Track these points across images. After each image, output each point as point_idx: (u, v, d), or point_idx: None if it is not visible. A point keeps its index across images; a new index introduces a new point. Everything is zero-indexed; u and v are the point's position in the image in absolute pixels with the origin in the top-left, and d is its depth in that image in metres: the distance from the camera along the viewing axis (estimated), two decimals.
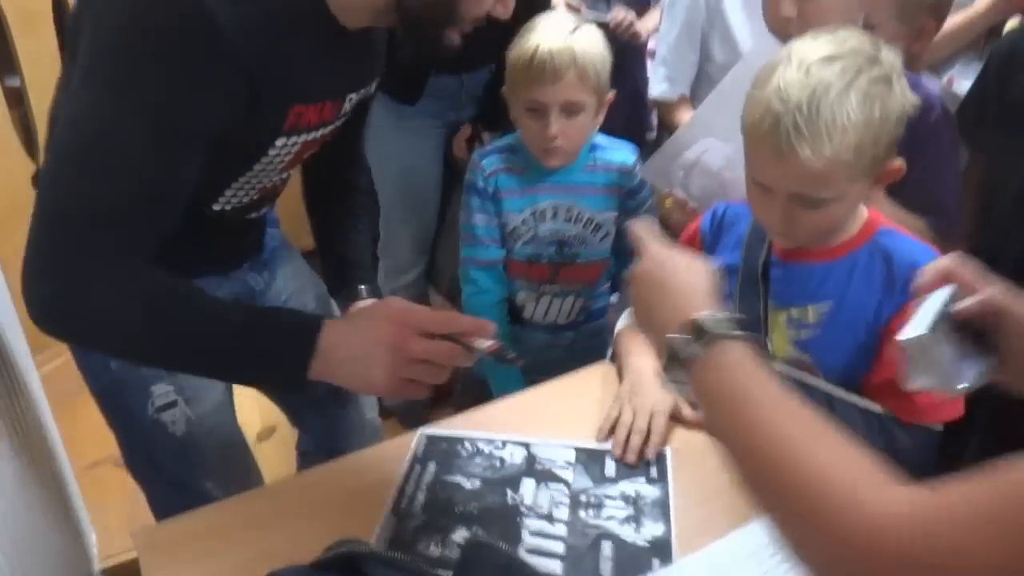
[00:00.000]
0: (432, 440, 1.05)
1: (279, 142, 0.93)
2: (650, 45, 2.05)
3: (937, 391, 0.69)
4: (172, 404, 1.09)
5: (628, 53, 2.01)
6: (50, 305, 0.81)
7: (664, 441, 1.03)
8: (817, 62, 0.85)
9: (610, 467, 1.01)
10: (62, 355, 2.38)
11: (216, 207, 1.00)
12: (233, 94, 0.82)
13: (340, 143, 1.11)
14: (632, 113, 2.10)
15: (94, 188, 0.80)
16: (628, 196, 1.38)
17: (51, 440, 1.53)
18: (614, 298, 1.51)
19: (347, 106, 0.99)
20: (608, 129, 2.07)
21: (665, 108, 1.82)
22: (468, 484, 0.98)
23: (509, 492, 0.96)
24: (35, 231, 0.81)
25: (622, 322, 1.20)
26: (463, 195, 1.37)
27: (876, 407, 0.96)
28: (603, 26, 1.91)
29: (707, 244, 1.11)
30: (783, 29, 1.19)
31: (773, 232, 0.97)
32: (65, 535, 1.41)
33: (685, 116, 1.71)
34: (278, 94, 0.88)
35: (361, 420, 1.35)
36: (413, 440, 1.04)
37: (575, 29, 1.25)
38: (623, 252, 1.38)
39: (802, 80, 0.84)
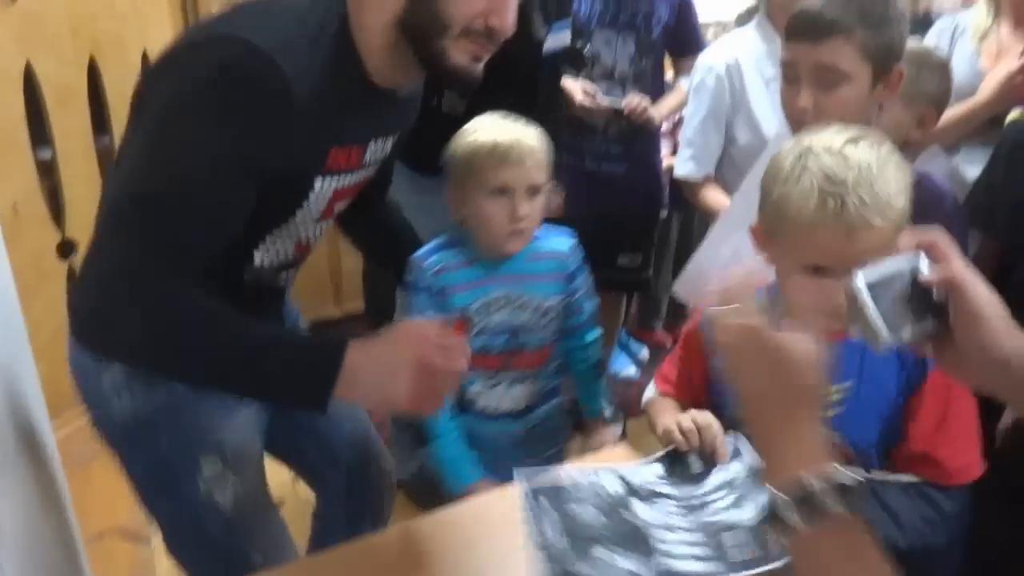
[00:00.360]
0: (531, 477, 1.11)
1: (317, 184, 1.01)
2: (663, 127, 2.17)
3: (867, 341, 0.71)
4: (220, 475, 1.11)
5: (642, 135, 2.13)
6: (91, 320, 0.90)
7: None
8: (845, 145, 0.94)
9: (695, 464, 1.10)
10: (78, 420, 2.37)
11: (256, 261, 1.06)
12: (290, 135, 0.91)
13: (369, 197, 1.22)
14: (647, 190, 2.23)
15: (154, 218, 0.88)
16: (568, 280, 1.44)
17: (63, 508, 1.55)
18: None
19: (368, 155, 1.08)
20: (624, 205, 2.21)
21: (691, 187, 1.90)
22: (582, 510, 1.04)
23: (624, 512, 1.03)
24: (91, 253, 0.91)
25: (649, 394, 1.29)
26: (404, 296, 1.42)
27: (913, 478, 1.03)
28: (618, 112, 2.01)
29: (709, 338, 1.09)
30: (798, 119, 1.25)
31: (823, 316, 1.00)
32: None
33: (710, 194, 1.82)
34: (320, 135, 0.97)
35: (381, 478, 1.39)
36: (518, 478, 1.10)
37: (512, 122, 1.36)
38: (569, 333, 1.49)
39: (842, 163, 0.93)
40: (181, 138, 0.89)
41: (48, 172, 2.22)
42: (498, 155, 1.32)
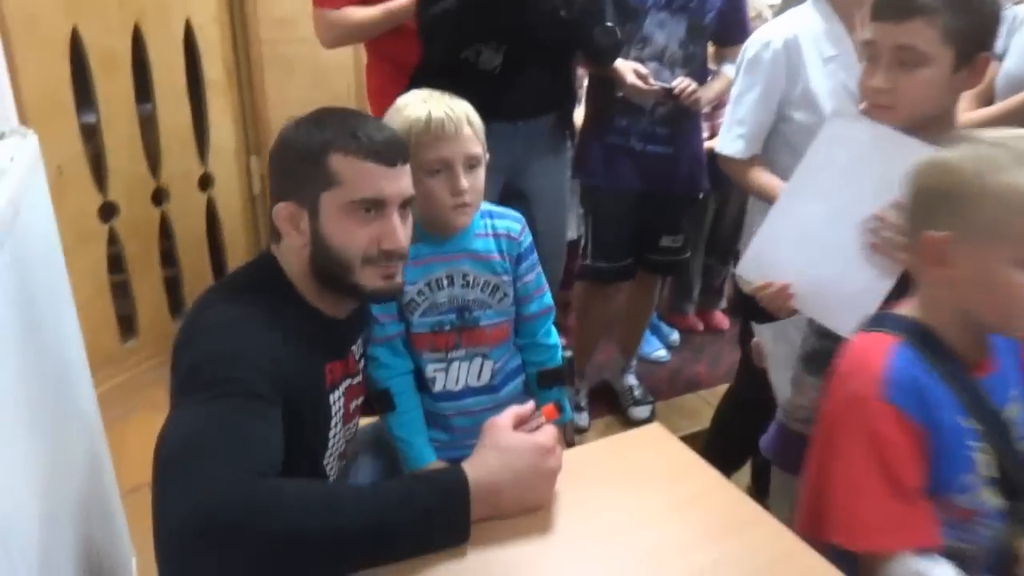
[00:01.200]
0: None
1: (332, 397, 1.13)
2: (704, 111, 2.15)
3: None
4: None
5: (687, 117, 2.14)
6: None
7: None
8: None
9: None
10: (116, 376, 2.44)
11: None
12: (289, 379, 1.02)
13: None
14: (691, 172, 2.20)
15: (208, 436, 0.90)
16: (517, 262, 1.42)
17: (102, 461, 1.59)
18: None
19: (356, 358, 1.23)
20: (669, 186, 2.18)
21: (737, 166, 1.83)
22: None
23: None
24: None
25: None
26: None
27: None
28: (668, 92, 2.02)
29: (925, 424, 0.96)
30: (873, 99, 1.25)
31: None
32: (108, 557, 1.44)
33: (760, 174, 1.78)
34: (312, 360, 1.09)
35: None
36: None
37: (441, 96, 1.33)
38: (522, 326, 1.45)
39: None
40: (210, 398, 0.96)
41: (91, 136, 2.26)
42: (433, 131, 1.29)
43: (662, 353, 2.73)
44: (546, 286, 1.44)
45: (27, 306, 1.13)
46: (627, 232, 2.22)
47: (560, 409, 0.99)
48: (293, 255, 1.08)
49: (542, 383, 1.45)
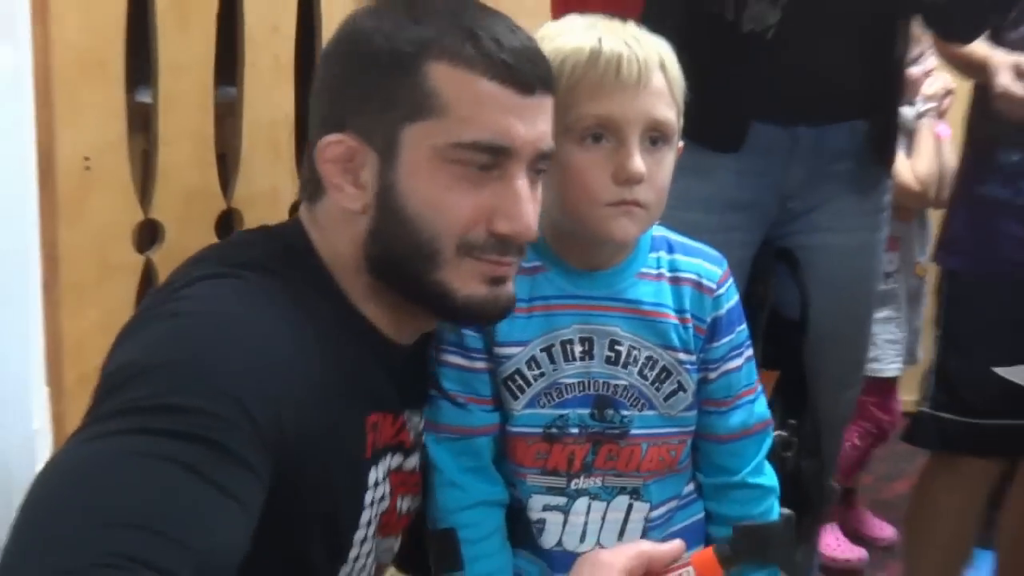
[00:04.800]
0: None
1: (371, 476, 0.91)
2: None
3: None
4: None
5: None
6: None
7: None
8: None
9: None
10: None
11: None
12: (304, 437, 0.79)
13: None
14: None
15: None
16: (711, 334, 1.07)
17: None
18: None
19: (409, 428, 0.98)
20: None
21: None
22: None
23: None
24: None
25: None
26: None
27: None
28: None
29: None
30: None
31: None
32: None
33: None
34: (349, 407, 0.87)
35: None
36: None
37: (622, 24, 1.05)
38: (713, 422, 1.11)
39: None
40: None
41: (142, 122, 1.97)
42: (601, 70, 0.97)
43: None
44: (759, 387, 1.13)
45: None
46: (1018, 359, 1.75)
47: (726, 559, 0.83)
48: (340, 226, 0.88)
49: (735, 547, 0.97)
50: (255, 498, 0.75)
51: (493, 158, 0.83)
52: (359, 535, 0.93)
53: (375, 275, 0.88)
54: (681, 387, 1.06)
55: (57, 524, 0.66)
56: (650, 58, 1.01)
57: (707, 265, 1.10)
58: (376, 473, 0.92)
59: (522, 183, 0.86)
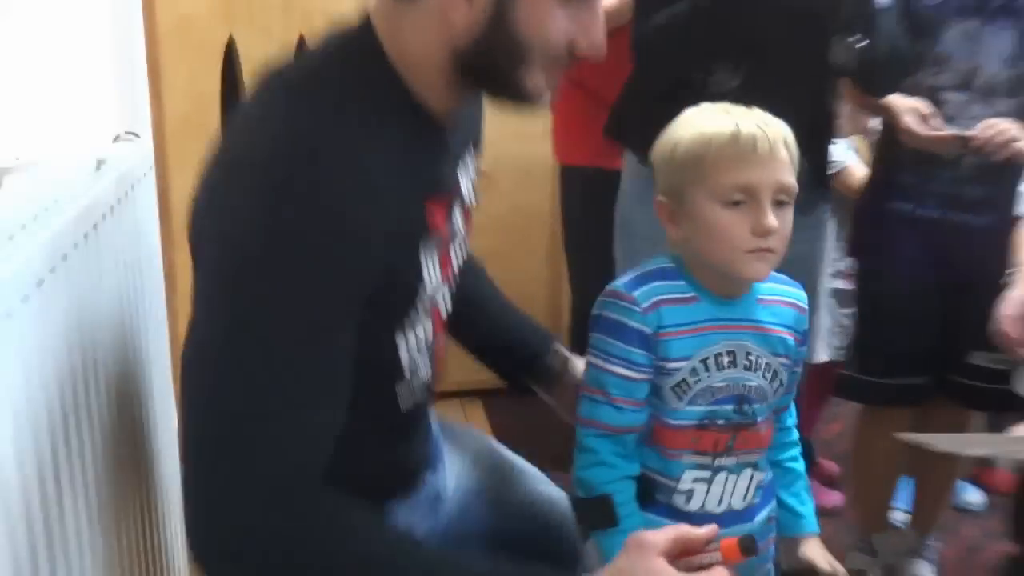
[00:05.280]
0: None
1: (423, 249, 0.97)
2: None
3: None
4: None
5: (1011, 173, 1.77)
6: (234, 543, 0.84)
7: None
8: None
9: None
10: None
11: (405, 375, 1.02)
12: (376, 233, 0.85)
13: None
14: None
15: (257, 388, 0.83)
16: (800, 342, 1.31)
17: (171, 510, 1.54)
18: None
19: (459, 189, 1.08)
20: (984, 275, 1.79)
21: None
22: None
23: None
24: (201, 450, 0.84)
25: None
26: (592, 336, 1.27)
27: None
28: (965, 140, 1.75)
29: None
30: None
31: None
32: None
33: None
34: (408, 192, 0.93)
35: None
36: None
37: (746, 109, 1.23)
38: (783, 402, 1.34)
39: None
40: (257, 303, 0.83)
41: None
42: (741, 148, 1.17)
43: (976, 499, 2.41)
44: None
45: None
46: (918, 341, 1.91)
47: (747, 550, 0.91)
48: (431, 28, 0.91)
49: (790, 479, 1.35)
50: (355, 330, 0.87)
51: None
52: (420, 315, 1.00)
53: (460, 73, 0.92)
54: (782, 383, 1.28)
55: (234, 424, 0.80)
56: (777, 136, 1.19)
57: (797, 291, 1.32)
58: (427, 249, 0.98)
59: (600, 6, 0.94)
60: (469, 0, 0.88)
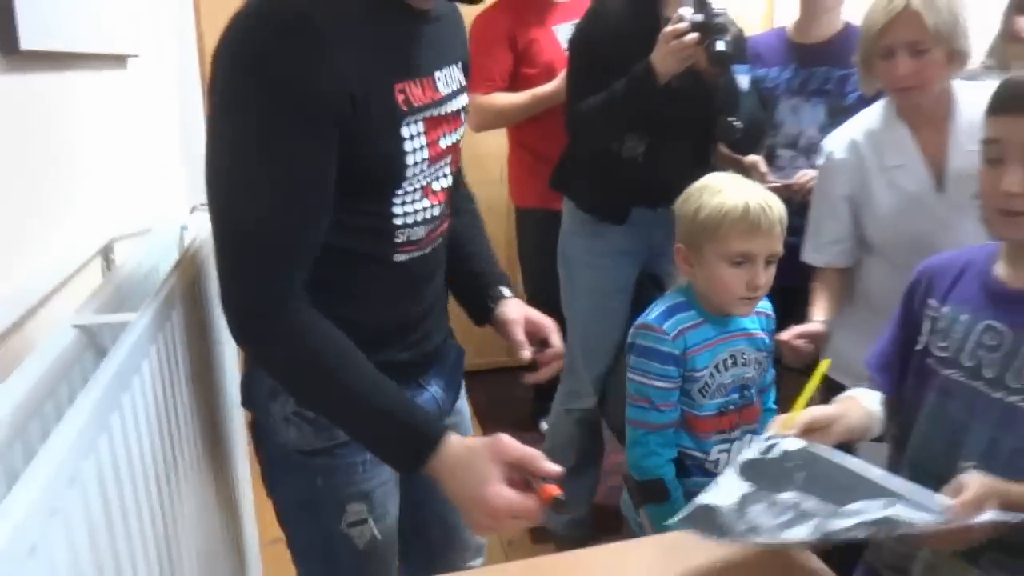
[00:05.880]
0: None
1: (403, 123, 1.08)
2: None
3: None
4: (362, 521, 1.24)
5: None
6: (236, 335, 1.05)
7: None
8: None
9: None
10: None
11: (397, 222, 1.14)
12: (339, 76, 0.98)
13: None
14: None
15: (247, 208, 0.99)
16: (771, 336, 1.58)
17: (243, 511, 1.68)
18: None
19: (441, 85, 1.15)
20: (804, 280, 2.14)
21: (812, 272, 1.95)
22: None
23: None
24: (221, 257, 1.03)
25: None
26: (632, 359, 1.53)
27: None
28: (789, 186, 2.11)
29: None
30: (1005, 206, 1.15)
31: None
32: None
33: (815, 287, 1.85)
34: (377, 72, 1.03)
35: (469, 542, 1.51)
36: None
37: (753, 185, 1.45)
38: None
39: None
40: (237, 133, 0.99)
41: None
42: (749, 221, 1.39)
43: None
44: None
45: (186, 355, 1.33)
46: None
47: (555, 506, 1.02)
48: None
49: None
50: (334, 142, 0.97)
51: None
52: (409, 171, 1.09)
53: None
54: (765, 369, 1.57)
55: (237, 232, 0.95)
56: (774, 216, 1.40)
57: (767, 303, 1.56)
58: (409, 123, 1.07)
59: None
60: None
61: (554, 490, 0.99)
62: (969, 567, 1.11)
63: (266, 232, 0.99)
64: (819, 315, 1.74)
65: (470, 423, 1.47)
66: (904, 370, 1.28)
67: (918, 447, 1.24)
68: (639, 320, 1.53)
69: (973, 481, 1.03)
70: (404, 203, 1.12)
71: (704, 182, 1.48)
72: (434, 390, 1.30)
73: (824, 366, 1.24)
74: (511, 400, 3.26)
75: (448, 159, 1.20)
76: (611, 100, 1.96)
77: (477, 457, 1.02)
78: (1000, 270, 1.19)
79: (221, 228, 1.01)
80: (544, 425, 2.90)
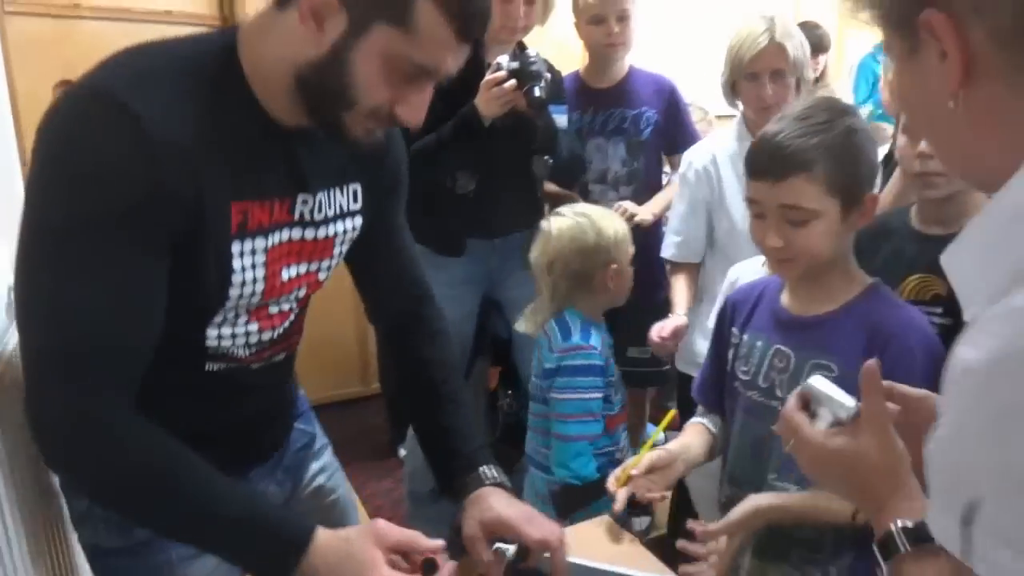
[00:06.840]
0: None
1: (235, 248, 0.98)
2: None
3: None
4: None
5: (641, 230, 2.35)
6: (44, 445, 0.93)
7: None
8: None
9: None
10: None
11: (211, 342, 1.05)
12: (174, 194, 0.90)
13: (389, 275, 1.27)
14: (651, 281, 2.37)
15: (66, 320, 0.89)
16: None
17: None
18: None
19: (299, 209, 1.05)
20: (633, 298, 2.25)
21: (671, 268, 2.18)
22: None
23: None
24: (29, 365, 0.91)
25: None
26: (561, 381, 1.64)
27: None
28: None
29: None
30: (772, 256, 1.30)
31: None
32: None
33: (677, 280, 2.12)
34: (215, 192, 0.94)
35: None
36: None
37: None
38: None
39: None
40: (53, 228, 0.88)
41: None
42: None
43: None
44: None
45: None
46: None
47: (427, 571, 1.00)
48: (286, 46, 0.93)
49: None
50: (165, 267, 0.89)
51: (422, 76, 0.93)
52: (233, 292, 0.98)
53: (298, 90, 0.93)
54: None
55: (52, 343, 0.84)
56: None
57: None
58: (242, 245, 0.97)
59: (428, 94, 0.96)
60: (321, 30, 0.90)
61: (425, 559, 0.98)
62: (780, 564, 1.25)
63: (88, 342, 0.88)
64: (680, 309, 2.04)
65: (348, 489, 1.41)
66: (721, 392, 1.40)
67: (733, 461, 1.37)
68: (561, 344, 1.65)
69: (735, 510, 1.19)
70: (222, 326, 1.05)
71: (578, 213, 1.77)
72: (264, 486, 1.23)
73: (669, 417, 1.36)
74: (368, 429, 3.39)
75: (300, 291, 1.11)
76: (440, 141, 2.07)
77: (354, 546, 0.97)
78: (785, 299, 1.32)
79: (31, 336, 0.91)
80: (403, 451, 2.93)
